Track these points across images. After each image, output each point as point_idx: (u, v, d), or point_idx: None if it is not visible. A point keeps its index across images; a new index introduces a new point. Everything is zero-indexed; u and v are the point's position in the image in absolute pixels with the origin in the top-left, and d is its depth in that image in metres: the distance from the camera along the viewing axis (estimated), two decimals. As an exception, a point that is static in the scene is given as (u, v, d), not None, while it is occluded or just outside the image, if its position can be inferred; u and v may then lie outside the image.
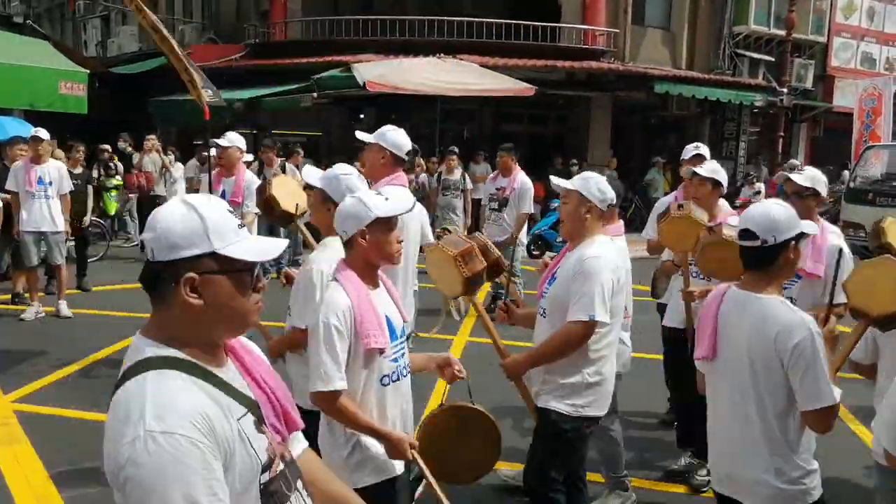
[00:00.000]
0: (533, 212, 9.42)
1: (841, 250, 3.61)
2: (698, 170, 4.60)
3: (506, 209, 8.37)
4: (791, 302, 3.42)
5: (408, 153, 4.24)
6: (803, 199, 3.81)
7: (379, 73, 13.81)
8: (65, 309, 8.17)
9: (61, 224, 8.00)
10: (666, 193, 14.13)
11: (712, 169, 4.59)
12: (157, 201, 11.08)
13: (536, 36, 16.58)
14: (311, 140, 17.61)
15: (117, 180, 12.65)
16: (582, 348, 3.22)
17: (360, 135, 4.29)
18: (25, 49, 12.94)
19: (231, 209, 1.62)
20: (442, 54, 15.14)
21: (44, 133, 8.10)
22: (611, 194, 3.32)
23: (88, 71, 13.49)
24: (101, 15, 27.10)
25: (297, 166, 12.08)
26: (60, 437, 4.97)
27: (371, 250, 2.63)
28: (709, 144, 19.94)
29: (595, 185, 3.29)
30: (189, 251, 1.50)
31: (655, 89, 16.54)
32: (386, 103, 16.26)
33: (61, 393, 5.87)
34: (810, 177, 3.91)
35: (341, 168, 3.21)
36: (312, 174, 3.35)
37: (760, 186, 15.60)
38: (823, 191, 3.95)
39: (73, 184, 8.61)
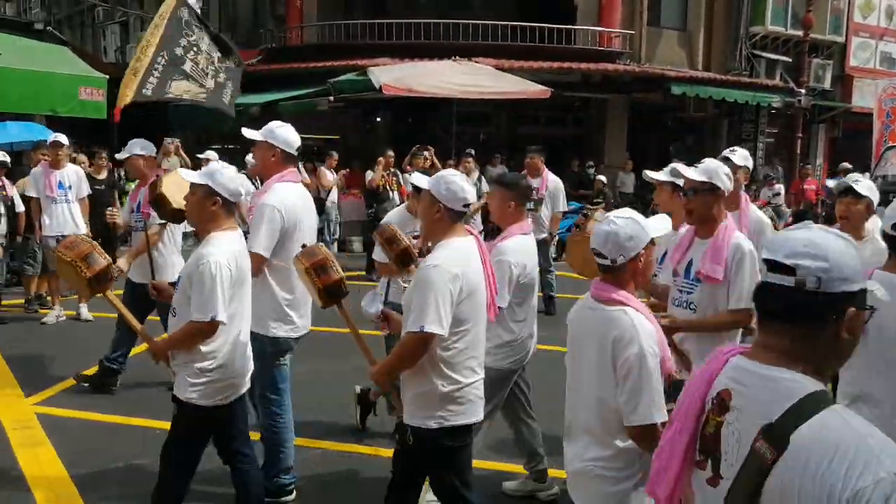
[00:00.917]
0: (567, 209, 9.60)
1: (742, 251, 3.44)
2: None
3: (541, 208, 8.59)
4: (691, 308, 3.51)
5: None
6: (700, 195, 3.48)
7: (395, 76, 13.83)
8: (85, 312, 8.25)
9: (83, 227, 8.10)
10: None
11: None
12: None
13: (552, 38, 16.56)
14: (327, 143, 17.67)
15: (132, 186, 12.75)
16: (430, 358, 3.08)
17: (246, 132, 4.31)
18: (46, 55, 13.09)
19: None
20: (457, 57, 15.14)
21: (63, 138, 8.20)
22: (463, 194, 3.14)
23: (108, 76, 13.62)
24: (119, 21, 27.37)
25: (331, 169, 12.16)
26: (81, 439, 5.02)
27: (642, 272, 2.70)
28: (726, 146, 19.83)
29: (444, 185, 3.14)
30: (856, 285, 1.55)
31: (672, 91, 16.46)
32: (401, 106, 16.30)
33: (82, 396, 5.93)
34: (705, 170, 3.52)
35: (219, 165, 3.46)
36: (192, 174, 3.51)
37: (780, 188, 15.46)
38: (722, 183, 3.49)
39: (98, 189, 8.71)
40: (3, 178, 8.25)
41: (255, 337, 3.93)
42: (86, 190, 8.31)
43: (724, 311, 3.49)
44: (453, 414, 3.13)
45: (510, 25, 16.48)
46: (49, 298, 8.49)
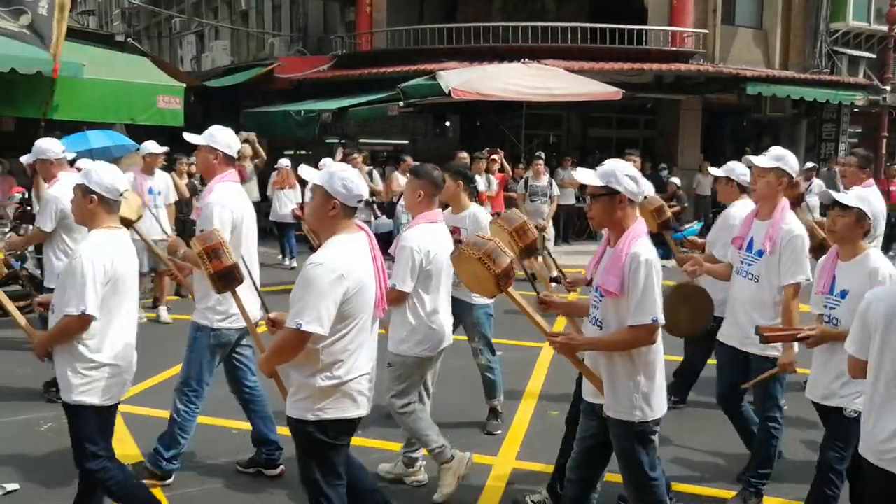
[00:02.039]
0: None
1: (638, 261, 3.16)
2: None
3: None
4: (598, 326, 3.40)
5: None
6: (598, 200, 3.28)
7: (464, 80, 13.81)
8: (165, 315, 8.46)
9: (169, 231, 8.31)
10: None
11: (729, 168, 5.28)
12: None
13: (622, 39, 16.28)
14: (396, 148, 17.79)
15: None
16: (311, 352, 3.10)
17: (188, 136, 4.49)
18: (126, 66, 13.53)
19: None
20: (527, 59, 15.04)
21: (155, 146, 8.44)
22: (358, 191, 3.16)
23: (184, 85, 13.99)
24: (195, 31, 28.18)
25: (405, 173, 12.20)
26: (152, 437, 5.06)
27: None
28: (806, 147, 19.20)
29: (340, 181, 3.14)
30: None
31: (748, 91, 15.99)
32: (471, 110, 16.27)
33: (162, 396, 6.00)
34: (602, 174, 3.26)
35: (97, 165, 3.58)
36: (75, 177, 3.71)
37: (817, 182, 14.72)
38: (623, 188, 3.22)
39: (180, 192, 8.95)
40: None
41: (197, 328, 4.26)
42: (173, 196, 8.55)
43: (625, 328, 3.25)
44: (330, 409, 3.16)
45: (580, 27, 16.28)
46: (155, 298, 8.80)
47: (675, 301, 4.07)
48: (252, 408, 4.61)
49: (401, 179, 12.17)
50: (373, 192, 11.19)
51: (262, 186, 12.86)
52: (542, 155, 12.19)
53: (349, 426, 3.27)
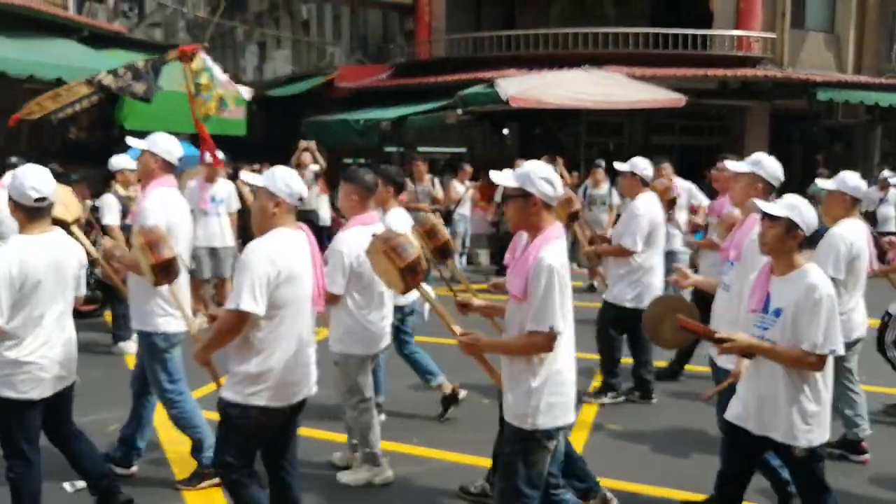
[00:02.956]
0: None
1: (541, 266, 3.10)
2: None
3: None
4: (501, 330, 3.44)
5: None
6: (512, 201, 3.26)
7: (523, 87, 13.67)
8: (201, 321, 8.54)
9: (230, 240, 8.37)
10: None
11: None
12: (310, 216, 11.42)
13: (686, 44, 15.92)
14: (455, 156, 17.74)
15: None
16: (245, 338, 3.31)
17: (130, 140, 4.67)
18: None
19: None
20: (587, 66, 14.81)
21: (220, 155, 8.53)
22: (298, 190, 3.40)
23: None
24: (257, 41, 28.73)
25: (463, 182, 12.15)
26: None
27: None
28: (881, 154, 18.43)
29: (282, 180, 3.39)
30: None
31: (818, 97, 15.43)
32: (529, 117, 16.12)
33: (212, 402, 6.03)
34: (518, 175, 3.24)
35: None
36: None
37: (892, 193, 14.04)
38: (536, 189, 3.17)
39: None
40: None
41: (143, 334, 4.34)
42: (236, 205, 8.61)
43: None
44: (261, 395, 3.33)
45: (641, 32, 15.98)
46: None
47: (660, 312, 4.09)
48: (145, 405, 4.65)
49: (459, 188, 12.09)
50: (434, 200, 11.12)
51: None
52: (602, 163, 11.94)
53: (276, 415, 3.41)
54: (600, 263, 6.29)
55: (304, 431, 3.89)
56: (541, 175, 3.19)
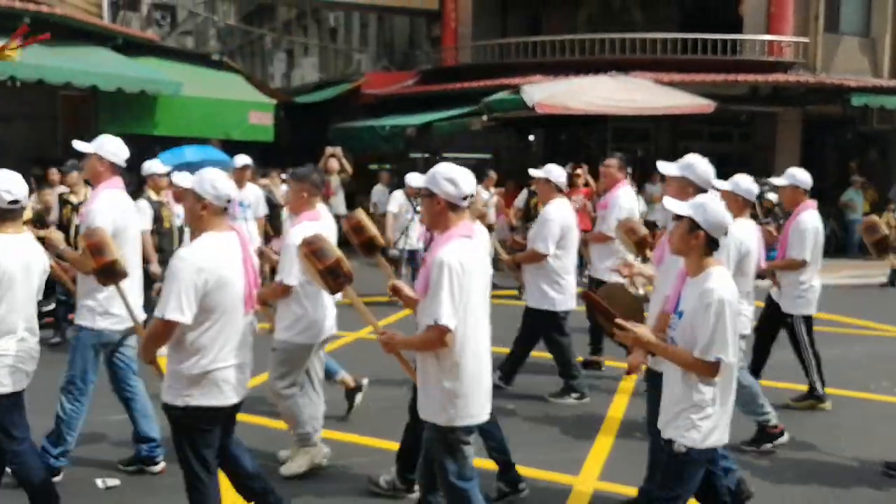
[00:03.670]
0: None
1: (440, 265, 3.24)
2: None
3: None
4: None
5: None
6: (425, 201, 3.44)
7: (549, 93, 13.65)
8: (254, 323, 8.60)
9: (258, 244, 8.46)
10: (866, 214, 12.87)
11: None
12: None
13: (715, 49, 15.77)
14: (480, 162, 17.72)
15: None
16: (179, 342, 3.38)
17: (77, 144, 4.69)
18: (221, 83, 14.00)
19: None
20: (614, 72, 14.74)
21: (248, 160, 8.64)
22: (226, 192, 3.43)
23: (275, 101, 14.36)
24: (285, 49, 28.98)
25: (488, 188, 12.15)
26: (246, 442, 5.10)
27: None
28: (917, 161, 17.80)
29: (209, 182, 3.41)
30: None
31: (853, 102, 15.16)
32: (555, 123, 16.07)
33: (245, 401, 6.06)
34: (426, 176, 3.42)
35: None
36: None
37: None
38: (440, 189, 3.31)
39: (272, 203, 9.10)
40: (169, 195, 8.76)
41: (80, 328, 4.46)
42: (263, 210, 8.69)
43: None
44: (198, 396, 3.40)
45: (669, 38, 15.86)
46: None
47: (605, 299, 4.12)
48: (133, 406, 4.70)
49: (484, 194, 12.07)
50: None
51: (349, 199, 13.00)
52: (629, 169, 11.84)
53: (217, 414, 3.48)
54: (519, 270, 6.48)
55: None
56: (445, 176, 3.32)
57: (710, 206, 3.22)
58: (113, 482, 4.52)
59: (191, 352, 3.39)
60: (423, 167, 15.16)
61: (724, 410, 3.24)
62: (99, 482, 4.52)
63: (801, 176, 5.87)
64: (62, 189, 8.27)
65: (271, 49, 30.84)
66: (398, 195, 10.39)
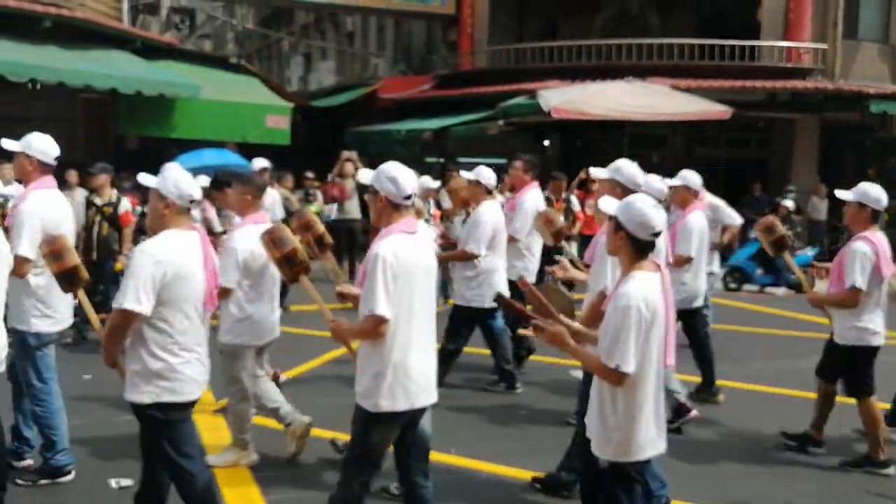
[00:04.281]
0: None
1: (374, 257, 3.40)
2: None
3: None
4: None
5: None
6: (369, 197, 3.66)
7: (565, 98, 13.63)
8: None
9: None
10: (887, 223, 12.74)
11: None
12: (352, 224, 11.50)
13: (733, 55, 15.70)
14: (495, 167, 17.72)
15: (317, 207, 13.31)
16: (140, 337, 3.44)
17: (4, 143, 4.60)
18: (238, 87, 14.09)
19: None
20: (630, 77, 14.71)
21: (267, 163, 8.70)
22: (189, 192, 3.50)
23: (292, 105, 14.43)
24: (303, 53, 29.12)
25: (504, 193, 12.12)
26: (262, 443, 5.11)
27: None
28: (937, 169, 17.60)
29: (172, 182, 3.50)
30: None
31: (871, 109, 15.04)
32: (571, 128, 16.05)
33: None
34: (372, 175, 3.59)
35: None
36: None
37: None
38: (381, 187, 3.51)
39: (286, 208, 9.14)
40: (205, 202, 8.83)
41: (16, 332, 4.38)
42: (280, 214, 8.72)
43: None
44: (164, 390, 3.47)
45: (686, 43, 15.80)
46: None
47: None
48: (23, 406, 4.69)
49: (500, 198, 12.07)
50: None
51: (364, 203, 13.01)
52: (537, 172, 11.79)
53: (182, 407, 3.56)
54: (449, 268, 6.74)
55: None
56: (387, 175, 3.49)
57: (633, 207, 3.16)
58: (126, 482, 4.55)
59: (155, 347, 3.45)
60: (440, 172, 15.20)
61: (638, 422, 3.13)
62: (112, 482, 4.55)
63: (692, 178, 6.20)
64: (82, 191, 8.37)
65: (289, 53, 31.01)
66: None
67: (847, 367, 5.07)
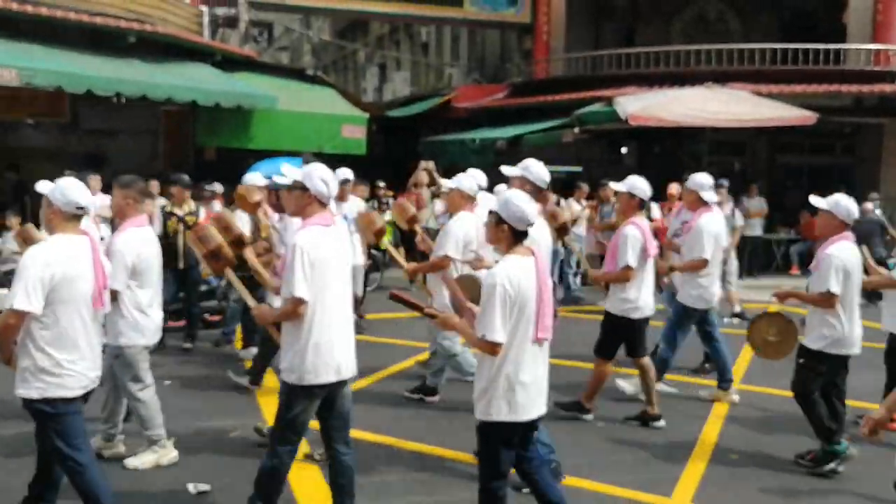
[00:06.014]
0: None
1: (291, 244, 3.80)
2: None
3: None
4: None
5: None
6: (291, 192, 3.99)
7: (642, 105, 13.37)
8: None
9: (360, 257, 8.54)
10: None
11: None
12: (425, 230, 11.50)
13: (817, 59, 15.11)
14: (570, 175, 17.52)
15: (389, 216, 13.39)
16: (30, 336, 3.63)
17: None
18: (315, 98, 14.34)
19: None
20: (710, 83, 14.32)
21: (350, 174, 8.80)
22: (74, 199, 3.72)
23: (367, 115, 14.59)
24: (378, 63, 29.50)
25: (580, 201, 12.00)
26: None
27: None
28: None
29: (59, 191, 3.74)
30: None
31: (964, 113, 14.27)
32: (648, 135, 15.74)
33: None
34: (303, 172, 3.93)
35: None
36: None
37: None
38: (312, 185, 3.88)
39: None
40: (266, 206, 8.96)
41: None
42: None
43: None
44: (52, 385, 3.66)
45: (768, 48, 15.30)
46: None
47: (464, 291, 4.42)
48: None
49: (575, 207, 11.92)
50: (553, 218, 11.01)
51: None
52: (726, 182, 11.44)
53: (71, 401, 3.73)
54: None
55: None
56: (321, 177, 3.88)
57: (512, 203, 3.60)
58: (204, 487, 4.63)
59: (43, 344, 3.64)
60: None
61: (516, 389, 3.54)
62: (190, 487, 4.65)
63: (639, 184, 5.95)
64: (163, 201, 8.61)
65: (364, 63, 31.47)
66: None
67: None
